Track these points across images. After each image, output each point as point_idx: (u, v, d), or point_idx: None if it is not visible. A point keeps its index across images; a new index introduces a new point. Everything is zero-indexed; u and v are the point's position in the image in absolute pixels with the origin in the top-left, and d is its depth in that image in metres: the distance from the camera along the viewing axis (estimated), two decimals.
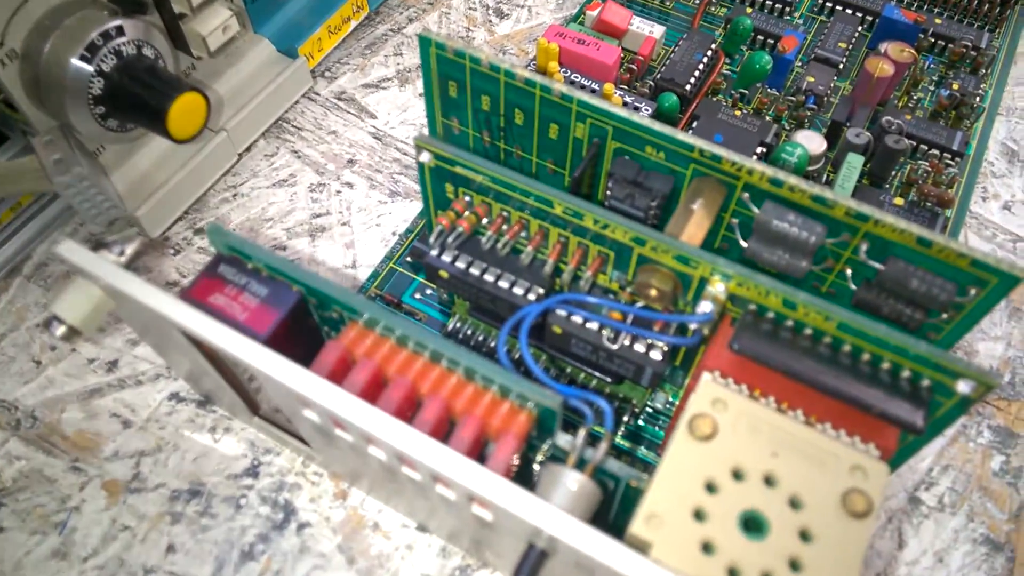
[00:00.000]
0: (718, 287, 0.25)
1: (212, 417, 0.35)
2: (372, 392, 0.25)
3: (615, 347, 0.28)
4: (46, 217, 0.39)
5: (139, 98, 0.33)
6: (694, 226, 0.27)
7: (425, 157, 0.28)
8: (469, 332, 0.35)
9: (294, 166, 0.42)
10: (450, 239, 0.29)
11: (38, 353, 0.36)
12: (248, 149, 0.43)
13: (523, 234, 0.29)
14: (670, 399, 0.33)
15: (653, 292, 0.27)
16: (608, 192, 0.30)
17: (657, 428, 0.33)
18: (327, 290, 0.26)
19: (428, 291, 0.37)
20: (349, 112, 0.44)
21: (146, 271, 0.39)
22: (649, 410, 0.33)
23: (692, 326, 0.26)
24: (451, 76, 0.31)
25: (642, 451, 0.32)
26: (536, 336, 0.31)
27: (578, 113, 0.29)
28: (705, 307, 0.25)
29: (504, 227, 0.29)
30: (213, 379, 0.31)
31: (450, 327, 0.35)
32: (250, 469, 0.33)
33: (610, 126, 0.29)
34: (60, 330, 0.27)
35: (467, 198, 0.29)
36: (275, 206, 0.41)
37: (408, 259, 0.38)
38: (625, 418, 0.33)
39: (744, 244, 0.28)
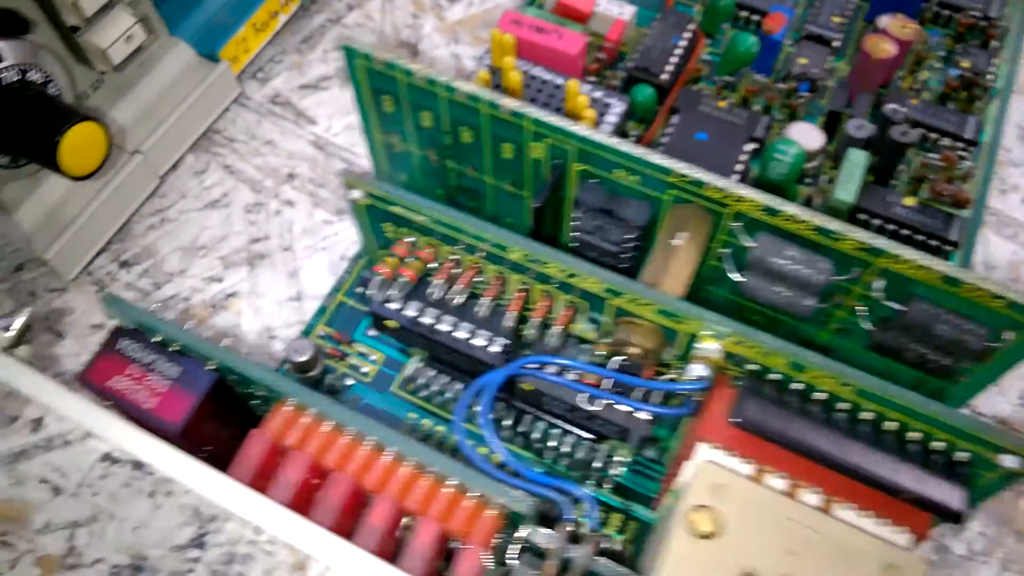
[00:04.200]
0: (711, 345, 0.21)
1: (151, 480, 0.31)
2: (308, 492, 0.21)
3: (594, 408, 0.24)
4: None
5: (24, 133, 0.28)
6: (678, 267, 0.23)
7: (357, 195, 0.24)
8: (432, 374, 0.31)
9: (227, 184, 0.38)
10: (392, 291, 0.25)
11: None
12: (175, 166, 0.38)
13: (479, 278, 0.25)
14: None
15: (634, 350, 0.23)
16: (575, 223, 0.25)
17: (650, 480, 0.29)
18: (245, 371, 0.22)
19: None
20: (285, 118, 0.39)
21: (68, 312, 0.34)
22: (640, 459, 0.29)
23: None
24: (384, 90, 0.27)
25: (638, 509, 0.28)
26: (505, 391, 0.27)
27: (534, 132, 0.25)
28: (698, 371, 0.21)
29: (455, 271, 0.25)
30: None
31: (408, 371, 0.31)
32: (196, 539, 0.30)
33: (571, 146, 0.25)
34: None
35: (411, 238, 0.25)
36: (208, 231, 0.36)
37: (358, 290, 0.33)
38: (611, 471, 0.29)
39: (736, 277, 0.24)
